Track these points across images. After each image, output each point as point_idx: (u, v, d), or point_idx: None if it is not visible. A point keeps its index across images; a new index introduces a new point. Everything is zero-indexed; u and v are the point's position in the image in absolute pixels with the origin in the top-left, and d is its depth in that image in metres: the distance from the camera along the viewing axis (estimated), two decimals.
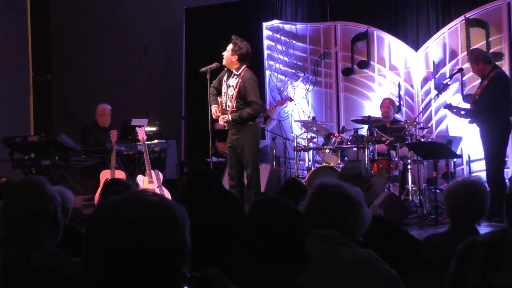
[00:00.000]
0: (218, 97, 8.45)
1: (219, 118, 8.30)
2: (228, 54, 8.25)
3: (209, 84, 8.48)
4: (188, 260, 1.67)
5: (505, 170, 9.40)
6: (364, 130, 10.33)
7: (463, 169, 10.56)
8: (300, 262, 2.41)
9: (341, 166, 9.58)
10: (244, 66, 8.29)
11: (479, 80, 9.56)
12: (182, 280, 1.66)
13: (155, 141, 10.72)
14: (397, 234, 4.25)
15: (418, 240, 4.39)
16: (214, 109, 8.43)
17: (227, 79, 8.34)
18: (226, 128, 8.43)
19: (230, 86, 8.30)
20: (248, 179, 8.32)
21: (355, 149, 9.69)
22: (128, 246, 1.58)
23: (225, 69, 8.41)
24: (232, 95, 8.25)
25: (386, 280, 3.02)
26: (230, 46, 8.26)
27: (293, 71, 12.26)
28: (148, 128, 10.62)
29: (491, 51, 10.51)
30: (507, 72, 10.29)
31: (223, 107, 8.36)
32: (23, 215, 3.12)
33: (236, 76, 8.27)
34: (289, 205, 2.51)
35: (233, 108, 8.24)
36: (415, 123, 9.97)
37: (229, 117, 8.20)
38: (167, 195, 9.15)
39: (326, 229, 3.09)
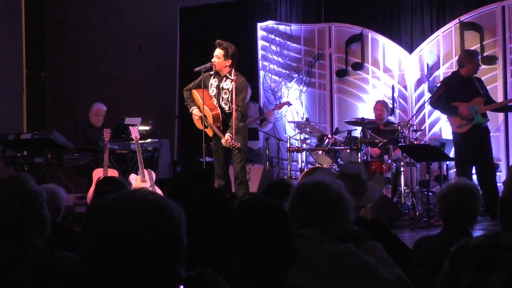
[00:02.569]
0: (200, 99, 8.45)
1: (223, 141, 8.21)
2: (220, 60, 8.27)
3: (202, 85, 8.45)
4: (184, 259, 1.67)
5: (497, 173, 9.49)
6: (357, 131, 10.35)
7: (455, 172, 10.58)
8: (288, 260, 2.42)
9: (334, 167, 9.61)
10: (234, 68, 8.37)
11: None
12: (177, 279, 1.66)
13: (148, 140, 10.71)
14: (387, 238, 4.25)
15: (408, 247, 4.40)
16: (196, 111, 8.45)
17: (219, 82, 8.36)
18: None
19: (224, 89, 8.32)
20: (239, 178, 8.37)
21: (348, 150, 9.70)
22: (124, 244, 1.58)
23: (211, 72, 8.42)
24: (228, 98, 8.31)
25: (367, 270, 3.08)
26: (220, 52, 8.27)
27: (287, 72, 12.27)
28: (141, 127, 10.61)
29: (485, 54, 10.56)
30: (501, 75, 10.36)
31: (220, 109, 8.36)
32: (7, 213, 3.10)
33: (230, 80, 8.33)
34: (275, 205, 2.52)
35: (229, 109, 8.28)
36: (408, 125, 10.00)
37: (231, 135, 8.16)
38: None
39: (307, 228, 3.12)
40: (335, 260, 3.03)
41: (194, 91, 8.54)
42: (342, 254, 3.07)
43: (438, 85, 9.57)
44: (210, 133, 8.44)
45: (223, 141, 8.16)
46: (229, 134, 8.15)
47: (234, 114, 8.22)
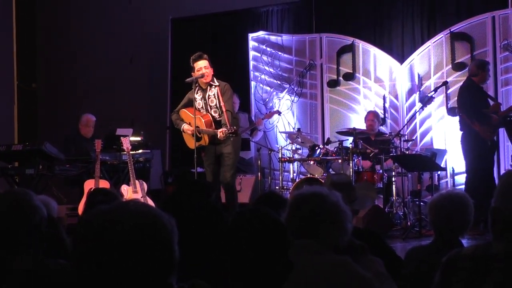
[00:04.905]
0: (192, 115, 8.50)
1: (218, 133, 8.20)
2: (209, 70, 8.41)
3: (196, 98, 8.49)
4: (176, 271, 1.67)
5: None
6: (349, 142, 10.35)
7: (447, 181, 10.61)
8: (283, 271, 2.42)
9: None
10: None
11: None
12: None
13: (140, 151, 10.69)
14: (381, 248, 4.25)
15: (400, 258, 4.39)
16: (186, 126, 8.53)
17: (203, 93, 8.47)
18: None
19: (210, 97, 8.41)
20: (229, 186, 8.40)
21: (340, 161, 9.70)
22: (116, 256, 1.57)
23: (193, 89, 8.49)
24: (216, 105, 8.39)
25: (362, 284, 3.04)
26: (206, 62, 8.43)
27: (279, 82, 12.28)
28: (132, 138, 10.58)
29: None
30: (492, 85, 10.39)
31: (214, 120, 8.41)
32: (8, 226, 3.10)
33: (214, 86, 8.45)
34: (271, 215, 2.51)
35: (219, 116, 8.32)
36: (399, 135, 10.01)
37: (231, 128, 8.15)
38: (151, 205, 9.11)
39: (303, 239, 3.10)
40: (330, 272, 2.99)
41: (183, 110, 8.63)
42: (338, 266, 3.03)
43: (460, 96, 9.50)
44: (206, 141, 8.45)
45: (219, 135, 8.15)
46: (223, 128, 8.17)
47: (225, 113, 8.26)
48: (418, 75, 11.16)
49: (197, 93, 8.51)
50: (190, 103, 8.51)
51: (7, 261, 3.05)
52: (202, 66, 8.39)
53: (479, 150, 9.13)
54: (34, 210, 3.17)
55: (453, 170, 10.42)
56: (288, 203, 3.29)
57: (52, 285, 3.02)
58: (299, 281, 2.89)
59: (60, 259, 3.19)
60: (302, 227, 3.13)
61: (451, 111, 10.68)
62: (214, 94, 8.41)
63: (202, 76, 8.38)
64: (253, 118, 11.89)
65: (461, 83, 10.41)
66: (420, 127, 11.10)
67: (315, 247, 3.08)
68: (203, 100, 8.47)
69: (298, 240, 3.08)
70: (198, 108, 8.47)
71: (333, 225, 3.16)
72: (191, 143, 8.56)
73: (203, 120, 8.36)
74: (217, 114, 8.40)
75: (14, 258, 3.06)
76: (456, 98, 10.55)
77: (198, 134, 8.42)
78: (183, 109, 8.68)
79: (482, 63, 9.58)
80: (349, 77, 11.74)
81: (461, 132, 9.32)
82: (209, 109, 8.43)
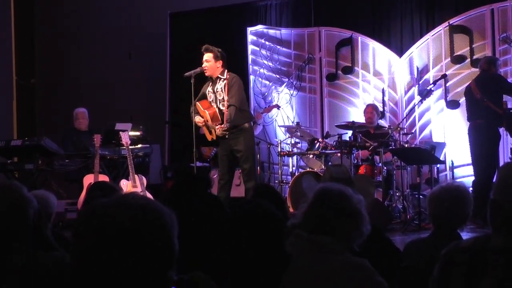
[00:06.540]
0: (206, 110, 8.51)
1: (216, 129, 8.27)
2: (211, 64, 8.38)
3: (194, 90, 8.49)
4: (175, 263, 1.67)
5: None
6: (348, 135, 10.35)
7: (446, 174, 10.61)
8: (280, 264, 2.42)
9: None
10: (226, 69, 8.50)
11: (463, 86, 9.72)
12: (168, 283, 1.66)
13: (139, 145, 10.68)
14: (379, 241, 4.25)
15: (399, 249, 4.39)
16: (198, 118, 8.51)
17: (213, 86, 8.45)
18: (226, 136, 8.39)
19: (218, 90, 8.41)
20: (248, 176, 8.38)
21: (339, 154, 9.70)
22: (115, 249, 1.57)
23: (208, 82, 8.51)
24: (223, 98, 8.38)
25: None
26: (209, 55, 8.42)
27: (278, 76, 12.28)
28: (132, 133, 10.58)
29: (474, 57, 10.60)
30: None
31: (218, 111, 8.43)
32: (8, 226, 3.09)
33: (223, 79, 8.43)
34: (268, 209, 2.51)
35: (227, 109, 8.35)
36: (399, 128, 10.00)
37: (226, 125, 8.22)
38: None
39: (321, 235, 3.08)
40: (346, 272, 2.96)
41: (196, 103, 8.62)
42: (355, 267, 3.00)
43: (492, 84, 9.30)
44: (214, 135, 8.48)
45: (217, 132, 8.22)
46: (220, 125, 8.23)
47: (225, 108, 8.27)
48: (417, 68, 11.16)
49: (209, 86, 8.53)
50: (203, 96, 8.54)
51: (7, 260, 3.04)
52: (204, 60, 8.41)
53: (495, 141, 9.15)
54: (29, 205, 3.16)
55: (452, 163, 10.43)
56: (311, 196, 3.26)
57: (51, 280, 3.02)
58: (314, 278, 2.87)
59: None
60: (322, 223, 3.11)
61: (450, 104, 10.68)
62: (221, 88, 8.42)
63: (201, 72, 8.43)
64: (252, 112, 11.89)
65: (460, 76, 10.47)
66: (419, 120, 11.10)
67: (332, 245, 3.05)
68: (213, 94, 8.49)
69: (317, 236, 3.06)
70: (210, 101, 8.51)
71: (353, 225, 3.14)
72: (208, 135, 8.60)
73: (207, 114, 8.39)
74: (224, 108, 8.42)
75: (13, 257, 3.06)
76: (455, 91, 10.58)
77: (209, 127, 8.47)
78: (197, 102, 8.65)
79: (492, 59, 9.61)
80: (348, 70, 11.74)
81: (473, 122, 9.20)
82: (218, 102, 8.46)
